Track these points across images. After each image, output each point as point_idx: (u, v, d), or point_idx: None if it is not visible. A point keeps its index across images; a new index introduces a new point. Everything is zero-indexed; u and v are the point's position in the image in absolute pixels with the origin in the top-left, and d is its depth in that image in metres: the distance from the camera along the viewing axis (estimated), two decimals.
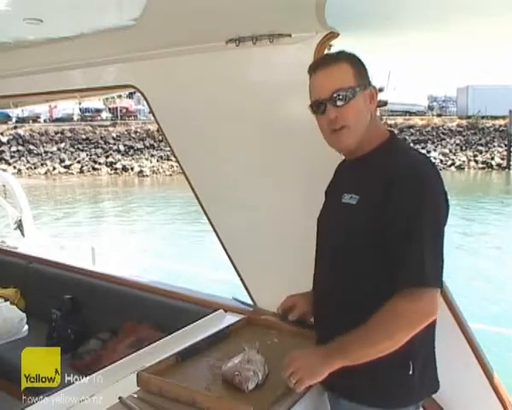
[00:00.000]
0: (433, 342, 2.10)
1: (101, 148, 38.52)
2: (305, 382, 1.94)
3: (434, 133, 42.77)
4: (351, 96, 1.98)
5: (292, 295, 2.49)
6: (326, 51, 2.44)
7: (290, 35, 2.48)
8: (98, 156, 37.85)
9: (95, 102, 40.45)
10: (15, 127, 38.14)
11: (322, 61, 2.09)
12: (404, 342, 1.86)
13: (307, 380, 1.94)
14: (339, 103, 1.98)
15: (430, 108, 51.46)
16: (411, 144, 35.87)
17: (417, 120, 44.41)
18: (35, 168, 36.27)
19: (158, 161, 37.72)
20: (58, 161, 37.10)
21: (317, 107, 2.05)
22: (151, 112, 3.21)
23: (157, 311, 3.72)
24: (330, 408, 2.24)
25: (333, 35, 2.40)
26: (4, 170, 28.22)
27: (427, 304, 1.86)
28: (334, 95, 1.98)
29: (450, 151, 41.27)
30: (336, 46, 2.44)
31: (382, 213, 1.90)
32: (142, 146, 38.90)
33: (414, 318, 1.87)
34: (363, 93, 2.03)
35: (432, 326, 2.03)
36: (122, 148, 38.65)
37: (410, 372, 1.97)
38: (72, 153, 37.78)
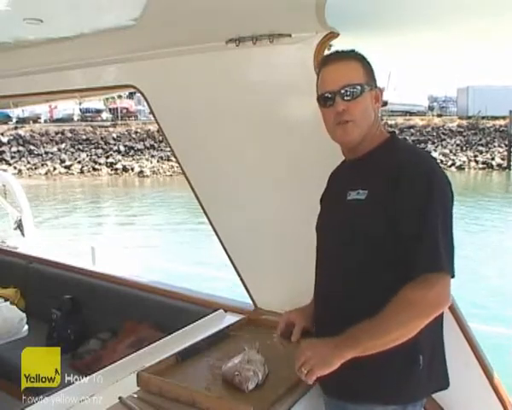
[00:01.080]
0: (441, 337, 2.11)
1: (102, 148, 38.53)
2: (315, 372, 1.91)
3: (435, 133, 42.77)
4: (359, 92, 2.03)
5: (288, 312, 2.50)
6: (326, 51, 2.44)
7: (290, 35, 2.48)
8: (98, 157, 37.87)
9: (95, 103, 40.52)
10: (16, 128, 38.16)
11: (334, 56, 2.14)
12: (417, 332, 1.87)
13: (318, 371, 1.91)
14: (347, 98, 2.03)
15: (430, 108, 51.44)
16: None
17: (417, 121, 44.40)
18: (35, 169, 36.29)
19: (158, 161, 37.73)
20: (58, 161, 37.13)
21: (325, 100, 2.08)
22: (151, 112, 3.21)
23: (157, 311, 3.72)
24: None
25: (333, 35, 2.40)
26: (5, 170, 28.25)
27: (440, 291, 1.87)
28: (343, 90, 2.02)
29: (451, 151, 41.26)
30: (336, 46, 2.44)
31: (390, 211, 1.92)
32: (143, 147, 38.90)
33: (426, 305, 1.87)
34: (371, 92, 2.08)
35: (439, 320, 2.05)
36: (122, 148, 38.67)
37: (420, 367, 1.98)
38: (72, 153, 37.80)
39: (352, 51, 2.11)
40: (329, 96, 2.05)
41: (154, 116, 3.17)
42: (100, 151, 38.28)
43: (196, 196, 3.13)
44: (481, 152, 41.36)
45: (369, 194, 2.00)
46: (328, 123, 2.11)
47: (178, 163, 3.17)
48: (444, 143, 41.97)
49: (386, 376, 1.99)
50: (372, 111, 2.08)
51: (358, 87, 2.02)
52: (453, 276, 1.88)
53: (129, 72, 3.22)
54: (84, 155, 37.76)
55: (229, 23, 2.51)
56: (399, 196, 1.91)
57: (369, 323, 1.90)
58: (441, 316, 2.06)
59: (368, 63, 2.10)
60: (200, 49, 2.76)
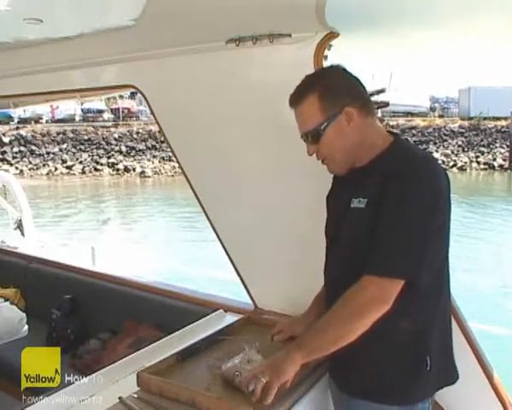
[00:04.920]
0: (450, 337, 2.14)
1: (103, 149, 38.56)
2: (273, 384, 1.93)
3: (436, 134, 42.76)
4: (320, 133, 2.06)
5: (284, 322, 2.60)
6: (326, 51, 2.44)
7: (290, 35, 2.48)
8: (100, 157, 37.90)
9: (97, 103, 40.52)
10: (17, 128, 38.18)
11: (292, 100, 2.15)
12: (356, 334, 1.88)
13: (276, 381, 1.93)
14: (312, 141, 2.09)
15: (432, 109, 51.38)
16: None
17: (419, 122, 44.40)
18: (37, 169, 36.31)
19: (160, 161, 37.73)
20: (60, 161, 37.15)
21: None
22: (151, 112, 3.21)
23: (157, 311, 3.72)
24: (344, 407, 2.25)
25: (333, 35, 2.40)
26: (6, 170, 28.26)
27: (373, 291, 1.87)
28: (306, 136, 2.10)
29: (452, 152, 41.24)
30: (336, 46, 2.44)
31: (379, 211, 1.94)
32: (144, 147, 38.93)
33: (359, 304, 1.90)
34: (336, 122, 2.05)
35: (447, 321, 2.12)
36: (124, 148, 38.69)
37: (428, 368, 1.99)
38: (74, 154, 37.83)
39: (310, 83, 2.09)
40: (303, 137, 2.14)
41: (154, 116, 3.17)
42: (101, 151, 38.31)
43: (196, 196, 3.13)
44: (483, 153, 41.33)
45: (368, 202, 2.01)
46: None
47: (178, 163, 3.17)
48: (445, 143, 41.96)
49: (393, 376, 2.02)
50: (348, 134, 2.05)
51: (317, 130, 2.05)
52: (401, 278, 1.87)
53: (129, 72, 3.22)
54: (85, 155, 37.79)
55: (229, 23, 2.51)
56: (382, 199, 1.93)
57: (316, 324, 2.00)
58: (449, 317, 2.14)
59: (326, 88, 2.06)
60: (200, 49, 2.76)
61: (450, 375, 2.15)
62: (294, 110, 2.13)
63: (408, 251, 1.89)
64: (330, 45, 2.44)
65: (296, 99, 2.12)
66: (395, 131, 2.28)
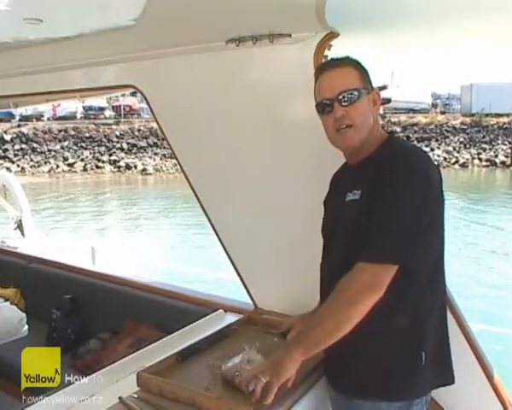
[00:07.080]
0: (446, 334, 2.14)
1: (105, 146, 38.65)
2: (273, 384, 1.93)
3: (438, 131, 42.79)
4: (356, 97, 2.04)
5: (292, 318, 2.60)
6: (326, 51, 2.44)
7: (290, 35, 2.48)
8: (102, 154, 37.98)
9: (98, 101, 40.54)
10: (19, 126, 38.24)
11: (329, 64, 2.17)
12: (352, 323, 1.88)
13: (276, 380, 1.93)
14: (345, 103, 2.04)
15: (434, 105, 51.40)
16: (415, 142, 35.98)
17: (421, 118, 44.45)
18: (38, 166, 36.39)
19: (161, 159, 37.79)
20: (61, 159, 37.20)
21: (324, 107, 2.10)
22: (151, 112, 3.20)
23: (157, 311, 3.71)
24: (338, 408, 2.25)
25: (333, 35, 2.40)
26: (8, 168, 28.28)
27: (366, 278, 1.89)
28: (340, 96, 2.04)
29: (454, 149, 41.25)
30: (336, 46, 2.44)
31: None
32: (146, 144, 38.98)
33: (353, 292, 1.90)
34: (368, 96, 2.09)
35: (443, 318, 2.12)
36: (125, 146, 38.75)
37: (423, 363, 2.00)
38: (75, 151, 37.90)
39: (347, 58, 2.12)
40: (327, 102, 2.07)
41: (154, 116, 3.17)
42: (103, 149, 38.37)
43: (196, 195, 3.13)
44: (485, 149, 41.34)
45: (362, 193, 2.03)
46: (328, 130, 2.13)
47: (178, 163, 3.17)
48: (447, 140, 41.97)
49: (390, 373, 2.03)
50: (371, 114, 2.10)
51: (355, 92, 2.04)
52: (394, 264, 1.89)
53: (129, 72, 3.21)
54: (87, 152, 37.84)
55: (229, 23, 2.51)
56: (376, 193, 1.95)
57: (313, 319, 2.01)
58: (445, 313, 2.14)
59: (363, 68, 2.11)
60: (200, 49, 2.76)
61: (446, 375, 2.15)
62: (328, 72, 2.11)
63: (400, 239, 1.91)
64: (330, 45, 2.44)
65: (335, 63, 2.14)
66: (391, 128, 2.30)
